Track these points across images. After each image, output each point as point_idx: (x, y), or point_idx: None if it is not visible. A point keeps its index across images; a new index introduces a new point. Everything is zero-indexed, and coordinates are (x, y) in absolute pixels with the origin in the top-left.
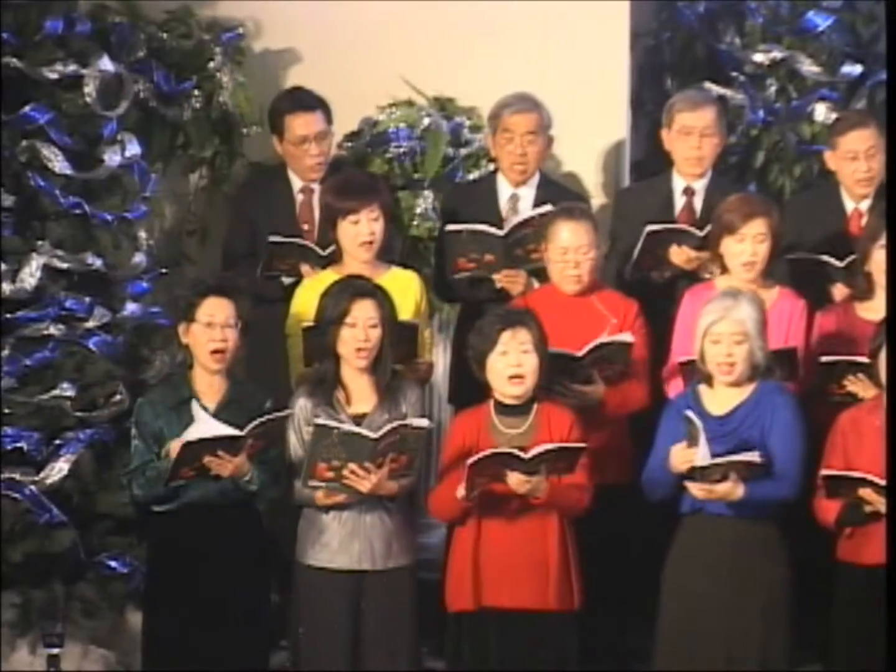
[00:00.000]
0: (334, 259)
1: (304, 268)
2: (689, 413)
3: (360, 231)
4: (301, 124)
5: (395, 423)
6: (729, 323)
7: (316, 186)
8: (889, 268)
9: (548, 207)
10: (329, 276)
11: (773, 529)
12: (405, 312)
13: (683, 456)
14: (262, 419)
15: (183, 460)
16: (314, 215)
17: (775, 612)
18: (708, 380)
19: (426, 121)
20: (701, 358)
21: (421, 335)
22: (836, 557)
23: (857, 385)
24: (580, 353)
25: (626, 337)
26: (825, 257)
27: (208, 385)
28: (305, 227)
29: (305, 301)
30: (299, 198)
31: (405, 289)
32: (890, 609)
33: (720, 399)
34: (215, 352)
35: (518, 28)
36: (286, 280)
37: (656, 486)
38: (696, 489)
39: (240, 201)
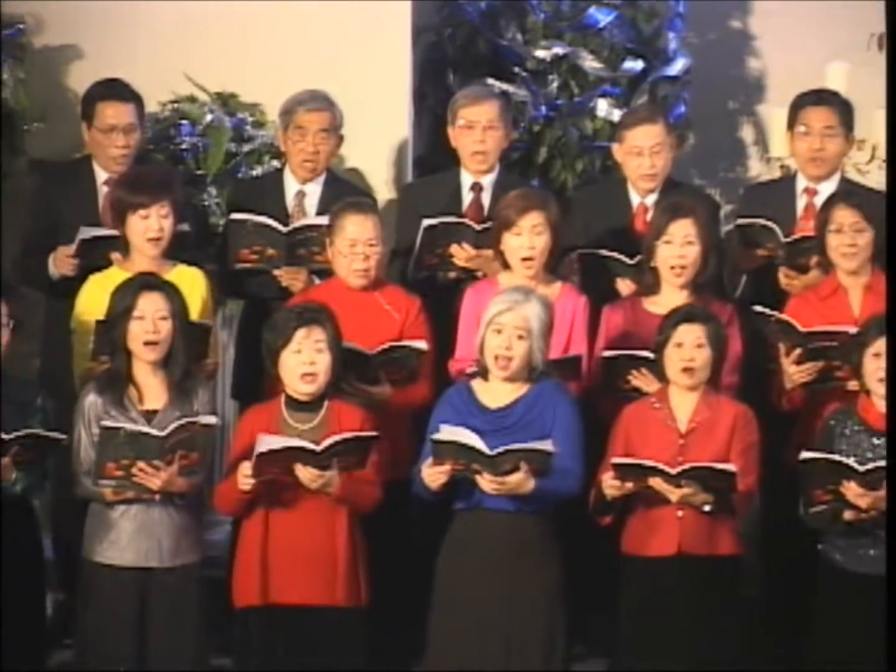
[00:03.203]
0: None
1: (115, 256)
2: (437, 435)
3: (150, 226)
4: (112, 113)
5: (182, 421)
6: (514, 315)
7: None
8: (889, 268)
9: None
10: (116, 273)
11: (549, 524)
12: (192, 309)
13: (429, 472)
14: (27, 433)
15: None
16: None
17: (554, 609)
18: (484, 373)
19: (209, 117)
20: (481, 348)
21: (213, 335)
22: (620, 551)
23: (641, 380)
24: (372, 353)
25: (420, 344)
26: (613, 253)
27: None
28: (110, 219)
29: (90, 297)
30: (103, 190)
31: (191, 286)
32: (890, 609)
33: (496, 393)
34: None
35: (300, 24)
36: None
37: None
38: (485, 483)
39: (41, 193)
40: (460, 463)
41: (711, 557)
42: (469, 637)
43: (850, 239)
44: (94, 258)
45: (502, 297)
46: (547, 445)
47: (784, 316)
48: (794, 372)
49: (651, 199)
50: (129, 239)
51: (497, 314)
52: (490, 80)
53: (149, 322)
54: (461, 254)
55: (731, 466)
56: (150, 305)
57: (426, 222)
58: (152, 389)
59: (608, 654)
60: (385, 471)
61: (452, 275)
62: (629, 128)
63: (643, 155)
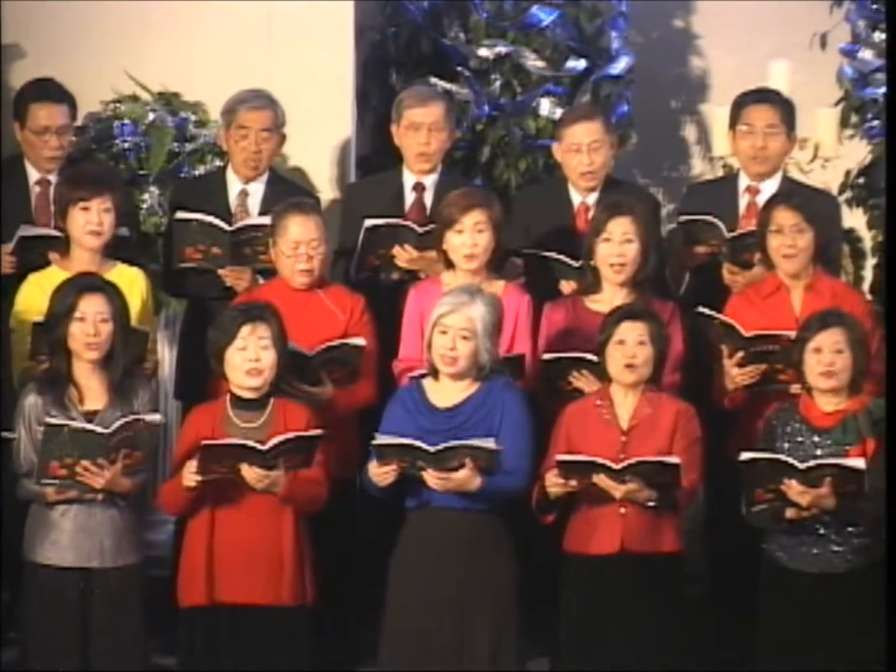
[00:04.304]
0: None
1: (53, 255)
2: (376, 441)
3: (90, 219)
4: (45, 115)
5: (127, 419)
6: (459, 317)
7: (53, 178)
8: (888, 266)
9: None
10: (55, 273)
11: (501, 524)
12: (132, 309)
13: (375, 472)
14: None
15: None
16: (51, 207)
17: (504, 608)
18: (434, 372)
19: (151, 116)
20: (428, 347)
21: (151, 338)
22: (563, 549)
23: (583, 381)
24: (311, 353)
25: (358, 341)
26: (556, 255)
27: None
28: (42, 218)
29: (29, 296)
30: (35, 190)
31: (130, 285)
32: (890, 609)
33: (446, 392)
34: None
35: (243, 22)
36: None
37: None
38: (431, 478)
39: None
40: (405, 461)
41: (654, 555)
42: (421, 636)
43: (790, 240)
44: (33, 256)
45: (447, 299)
46: (489, 443)
47: (727, 319)
48: (737, 374)
49: (592, 198)
50: (70, 233)
51: (441, 316)
52: (433, 80)
53: (89, 324)
54: (403, 255)
55: (675, 459)
56: (91, 308)
57: (368, 223)
58: (93, 390)
59: (552, 653)
60: (334, 471)
61: (395, 276)
62: (568, 125)
63: (581, 151)
